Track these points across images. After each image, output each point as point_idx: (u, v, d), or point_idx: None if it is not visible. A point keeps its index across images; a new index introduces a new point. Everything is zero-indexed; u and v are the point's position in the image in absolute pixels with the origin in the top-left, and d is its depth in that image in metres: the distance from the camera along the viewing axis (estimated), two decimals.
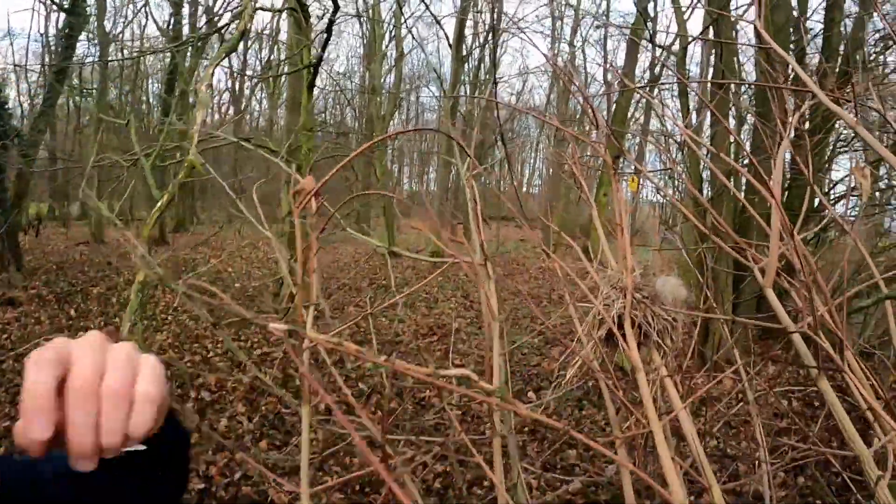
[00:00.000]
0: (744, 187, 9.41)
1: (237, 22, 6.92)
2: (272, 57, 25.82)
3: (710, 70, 9.36)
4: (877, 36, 7.82)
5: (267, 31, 27.06)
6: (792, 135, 1.63)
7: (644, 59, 22.94)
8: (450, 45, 20.49)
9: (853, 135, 8.84)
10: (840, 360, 1.16)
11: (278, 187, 11.49)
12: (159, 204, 4.44)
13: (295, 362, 0.82)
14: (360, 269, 15.60)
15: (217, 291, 0.83)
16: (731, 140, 8.85)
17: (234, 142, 10.69)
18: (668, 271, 1.55)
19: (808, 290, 1.09)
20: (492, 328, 1.42)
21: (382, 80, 23.85)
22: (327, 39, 9.89)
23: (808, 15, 9.07)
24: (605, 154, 1.55)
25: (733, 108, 8.71)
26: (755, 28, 1.61)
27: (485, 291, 1.39)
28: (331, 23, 9.12)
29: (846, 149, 8.07)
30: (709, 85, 9.60)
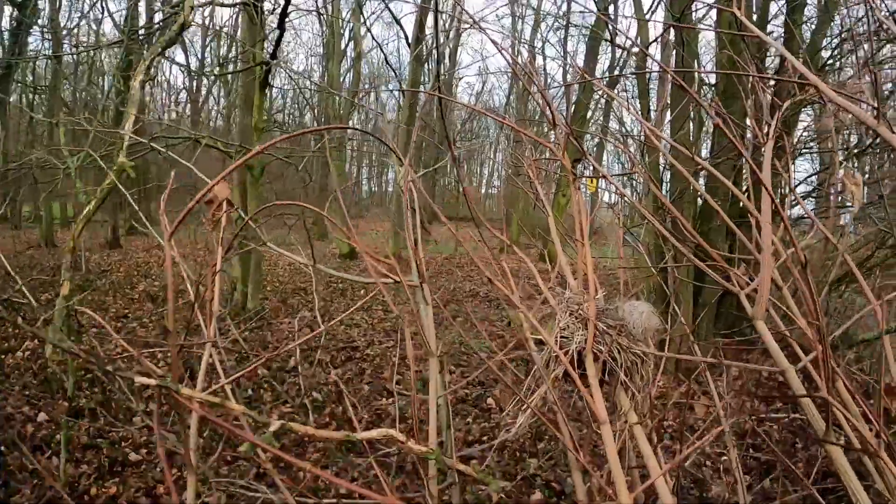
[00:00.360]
0: (702, 188, 9.34)
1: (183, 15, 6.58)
2: (230, 55, 25.27)
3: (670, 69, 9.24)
4: (837, 39, 7.81)
5: (226, 29, 26.50)
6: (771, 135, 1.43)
7: (604, 61, 23.01)
8: (408, 44, 20.24)
9: (810, 137, 8.84)
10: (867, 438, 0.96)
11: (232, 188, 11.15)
12: (86, 211, 4.14)
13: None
14: (317, 273, 15.20)
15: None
16: (693, 139, 8.76)
17: (184, 140, 10.35)
18: (635, 292, 1.33)
19: (819, 338, 0.88)
20: (430, 365, 1.18)
21: (342, 79, 23.50)
22: (280, 36, 9.58)
23: (769, 19, 9.05)
24: (563, 157, 1.33)
25: (694, 112, 8.62)
26: (735, 16, 1.41)
27: (421, 323, 1.15)
28: (282, 17, 8.78)
29: (806, 150, 8.04)
30: (669, 87, 9.54)
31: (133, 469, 5.13)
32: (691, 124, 9.74)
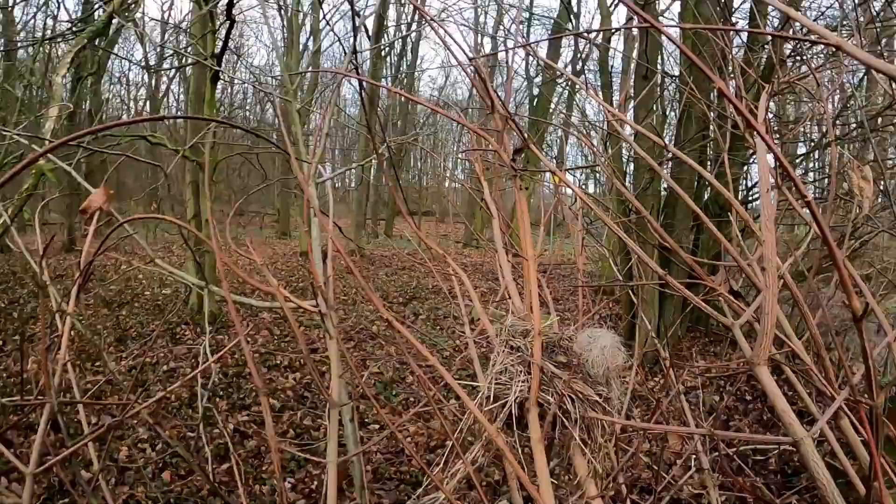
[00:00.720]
0: (668, 178, 9.18)
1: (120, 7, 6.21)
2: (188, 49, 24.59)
3: (633, 63, 9.13)
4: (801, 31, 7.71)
5: (185, 24, 25.84)
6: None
7: (567, 55, 22.93)
8: (369, 38, 19.90)
9: (776, 129, 8.72)
10: None
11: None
12: (3, 219, 3.77)
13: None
14: (277, 271, 14.91)
15: None
16: (658, 124, 8.61)
17: (133, 138, 9.90)
18: (596, 310, 1.07)
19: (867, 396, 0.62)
20: (330, 418, 0.90)
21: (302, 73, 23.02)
22: (230, 27, 9.17)
23: (733, 11, 8.97)
24: (501, 147, 1.07)
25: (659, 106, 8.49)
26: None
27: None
28: (229, 6, 8.42)
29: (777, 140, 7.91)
30: (632, 79, 9.38)
31: None
32: (654, 118, 9.61)
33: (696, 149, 8.26)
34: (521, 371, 0.89)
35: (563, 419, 0.87)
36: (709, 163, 8.69)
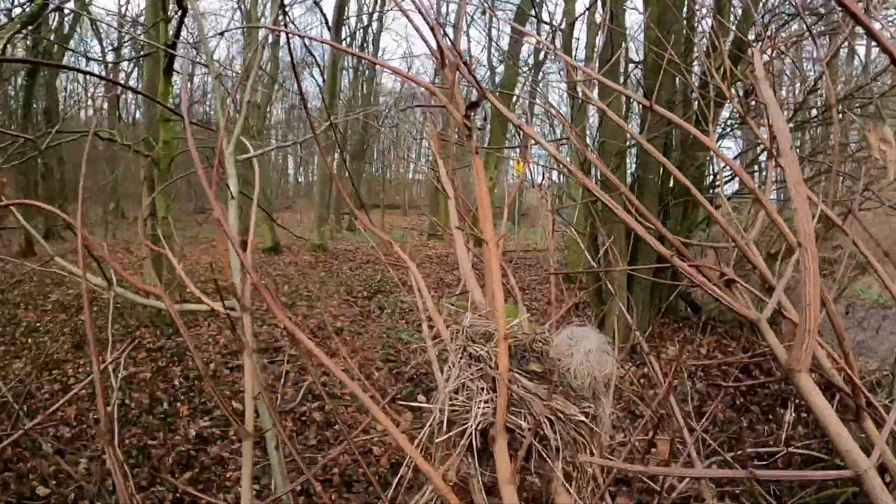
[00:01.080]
0: (635, 163, 9.14)
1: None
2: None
3: (597, 51, 9.01)
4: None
5: (142, 18, 25.14)
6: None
7: (528, 47, 22.83)
8: (328, 28, 19.54)
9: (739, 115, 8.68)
10: None
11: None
12: None
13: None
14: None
15: None
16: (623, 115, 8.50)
17: (80, 135, 9.50)
18: (573, 304, 0.87)
19: None
20: (243, 450, 0.68)
21: (264, 66, 22.54)
22: (182, 16, 8.82)
23: None
24: (451, 102, 0.87)
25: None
26: None
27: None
28: None
29: (739, 125, 7.89)
30: (596, 64, 9.25)
31: None
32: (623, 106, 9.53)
33: (662, 135, 8.18)
34: (483, 388, 0.67)
35: (541, 449, 0.67)
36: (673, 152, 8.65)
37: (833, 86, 6.22)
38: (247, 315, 0.83)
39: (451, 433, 0.69)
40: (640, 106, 9.27)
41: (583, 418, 0.70)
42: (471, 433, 0.65)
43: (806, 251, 0.69)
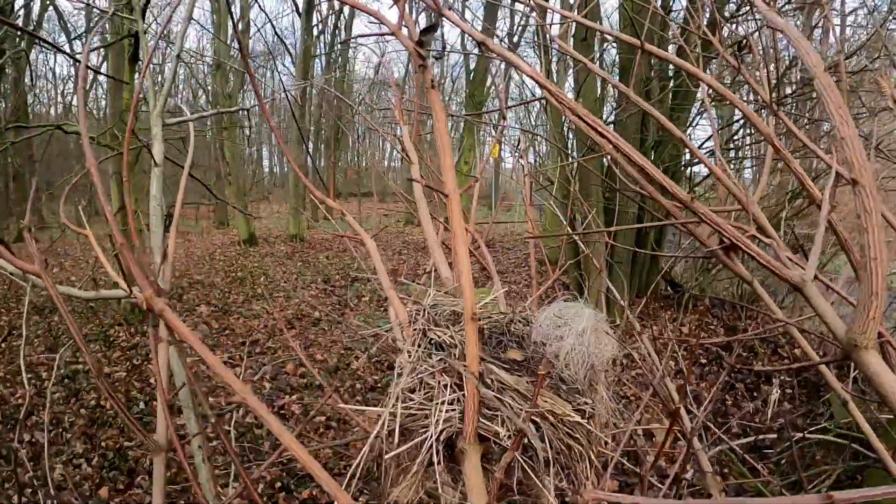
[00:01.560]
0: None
1: None
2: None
3: (571, 32, 8.88)
4: None
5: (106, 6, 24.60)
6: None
7: (503, 25, 22.65)
8: (299, 14, 19.23)
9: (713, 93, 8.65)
10: None
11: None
12: None
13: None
14: (215, 262, 14.32)
15: None
16: (598, 96, 8.39)
17: (47, 129, 9.20)
18: (557, 276, 0.72)
19: None
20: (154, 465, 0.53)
21: (235, 55, 22.15)
22: (146, 3, 8.54)
23: None
24: (402, 31, 0.72)
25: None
26: None
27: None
28: None
29: (716, 103, 7.84)
30: (571, 42, 9.11)
31: None
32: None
33: (638, 112, 8.11)
34: (447, 385, 0.51)
35: (525, 463, 0.51)
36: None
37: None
38: (164, 302, 0.67)
39: (404, 447, 0.53)
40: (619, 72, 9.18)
41: (578, 418, 0.53)
42: (431, 445, 0.49)
43: (863, 189, 0.54)
